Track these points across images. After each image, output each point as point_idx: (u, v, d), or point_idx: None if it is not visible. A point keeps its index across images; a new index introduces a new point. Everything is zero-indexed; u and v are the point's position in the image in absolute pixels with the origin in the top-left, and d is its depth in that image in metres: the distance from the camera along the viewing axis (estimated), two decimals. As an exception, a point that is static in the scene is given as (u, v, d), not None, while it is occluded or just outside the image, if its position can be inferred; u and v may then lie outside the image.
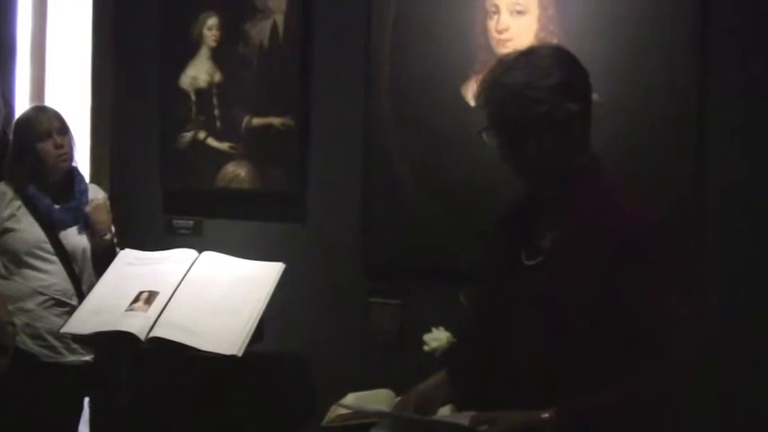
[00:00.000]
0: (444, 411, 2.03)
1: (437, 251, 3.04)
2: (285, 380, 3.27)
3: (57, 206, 3.22)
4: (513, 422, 1.71)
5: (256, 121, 3.39)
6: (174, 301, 3.01)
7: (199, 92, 3.49)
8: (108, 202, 3.35)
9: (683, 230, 2.63)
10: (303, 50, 3.30)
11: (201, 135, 3.49)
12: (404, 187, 3.10)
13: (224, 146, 3.45)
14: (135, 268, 3.19)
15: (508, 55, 1.89)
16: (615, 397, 1.71)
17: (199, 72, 3.49)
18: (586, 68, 1.87)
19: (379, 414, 2.12)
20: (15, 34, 3.91)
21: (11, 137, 3.26)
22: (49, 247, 3.18)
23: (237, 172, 3.42)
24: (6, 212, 3.18)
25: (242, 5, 3.40)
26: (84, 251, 3.25)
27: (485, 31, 2.98)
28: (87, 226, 3.25)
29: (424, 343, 2.90)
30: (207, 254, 3.20)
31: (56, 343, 3.15)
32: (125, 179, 3.67)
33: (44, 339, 3.15)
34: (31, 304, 3.14)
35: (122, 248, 3.29)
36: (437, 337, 2.89)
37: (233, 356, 2.80)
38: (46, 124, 3.20)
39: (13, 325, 3.08)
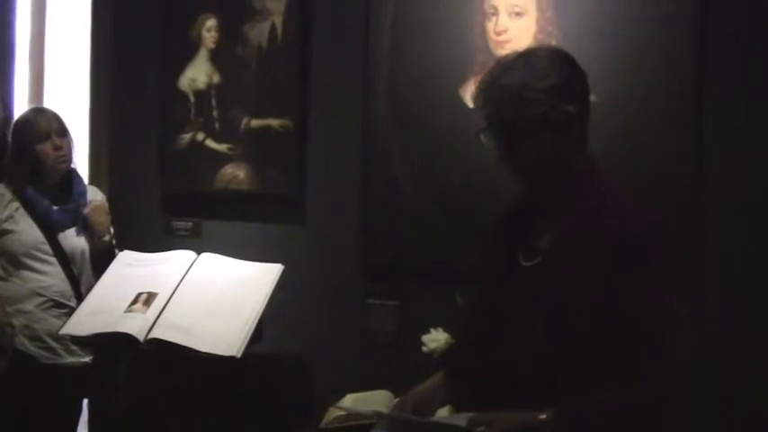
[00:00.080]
0: (443, 413, 2.03)
1: (436, 252, 3.04)
2: (284, 381, 3.27)
3: (55, 207, 3.21)
4: (511, 423, 1.71)
5: (255, 122, 3.39)
6: (172, 303, 3.00)
7: (198, 93, 3.49)
8: (107, 204, 3.35)
9: (682, 231, 2.63)
10: (302, 52, 3.30)
11: (200, 136, 3.49)
12: (402, 188, 3.10)
13: (223, 147, 3.45)
14: (134, 269, 3.19)
15: (506, 56, 1.90)
16: (614, 397, 1.71)
17: (198, 73, 3.49)
18: (585, 70, 1.87)
19: (377, 415, 2.12)
20: (14, 35, 3.91)
21: (9, 138, 3.25)
22: (47, 248, 3.17)
23: (236, 173, 3.42)
24: (5, 214, 3.17)
25: (241, 7, 3.39)
26: (82, 252, 3.25)
27: (483, 32, 2.97)
28: (86, 227, 3.25)
29: (422, 344, 2.90)
30: (206, 255, 3.20)
31: (54, 344, 3.14)
32: (124, 180, 3.67)
33: (43, 341, 3.14)
34: (29, 306, 3.14)
35: (121, 250, 3.29)
36: (436, 338, 2.89)
37: (232, 357, 2.80)
38: (45, 126, 3.20)
39: (12, 326, 3.08)
